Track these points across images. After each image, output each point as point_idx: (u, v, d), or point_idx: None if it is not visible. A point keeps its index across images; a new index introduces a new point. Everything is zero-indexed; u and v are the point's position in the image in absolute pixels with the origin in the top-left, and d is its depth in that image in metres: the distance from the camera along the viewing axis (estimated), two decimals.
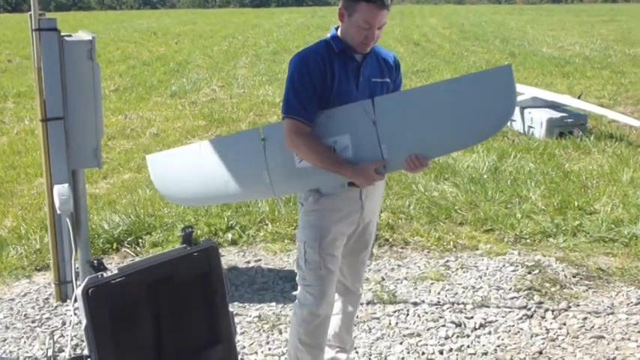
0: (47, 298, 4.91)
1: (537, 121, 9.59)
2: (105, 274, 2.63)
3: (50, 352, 3.61)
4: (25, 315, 4.72)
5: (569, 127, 9.51)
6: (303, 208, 3.37)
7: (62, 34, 4.37)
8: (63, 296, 4.84)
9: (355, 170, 3.18)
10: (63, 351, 4.13)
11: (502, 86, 3.16)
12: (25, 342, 4.37)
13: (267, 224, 6.17)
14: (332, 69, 3.16)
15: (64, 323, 4.56)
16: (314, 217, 3.34)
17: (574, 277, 5.12)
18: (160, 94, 13.83)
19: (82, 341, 2.96)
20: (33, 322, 4.62)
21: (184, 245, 2.94)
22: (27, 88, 13.43)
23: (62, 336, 4.36)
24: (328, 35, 3.26)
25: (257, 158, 3.38)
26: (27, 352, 4.26)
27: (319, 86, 3.15)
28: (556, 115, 9.59)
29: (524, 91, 10.54)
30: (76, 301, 2.64)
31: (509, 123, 10.22)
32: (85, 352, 2.63)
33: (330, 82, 3.16)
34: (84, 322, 2.56)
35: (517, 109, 10.00)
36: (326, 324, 3.48)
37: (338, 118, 3.20)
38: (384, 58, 3.37)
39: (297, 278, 3.46)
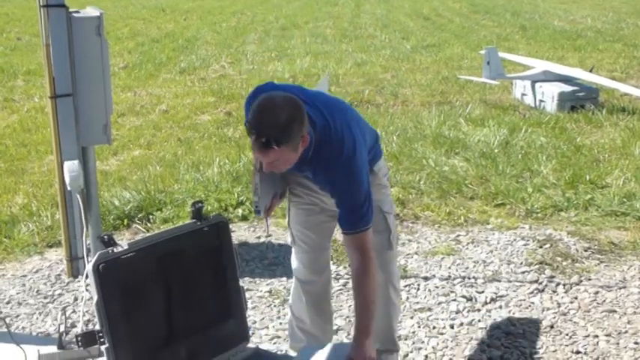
0: (59, 275, 4.94)
1: (549, 94, 9.53)
2: (115, 250, 2.63)
3: (62, 328, 3.62)
4: (37, 291, 4.75)
5: (580, 100, 9.45)
6: None
7: (70, 10, 4.35)
8: (75, 272, 4.86)
9: None
10: (75, 326, 4.15)
11: None
12: (37, 318, 4.41)
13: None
14: None
15: (76, 299, 4.59)
16: None
17: (585, 251, 5.11)
18: (169, 71, 13.79)
19: (94, 317, 2.97)
20: (45, 298, 4.65)
21: (194, 220, 2.94)
22: (36, 65, 13.41)
23: (74, 312, 4.39)
24: None
25: None
26: (39, 328, 4.29)
27: None
28: (568, 88, 9.53)
29: (536, 65, 10.47)
30: (87, 277, 2.64)
31: (520, 97, 10.18)
32: (97, 327, 2.64)
33: None
34: (95, 297, 2.57)
35: (529, 83, 9.95)
36: (307, 297, 3.51)
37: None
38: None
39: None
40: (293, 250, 3.53)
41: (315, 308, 3.56)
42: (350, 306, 4.39)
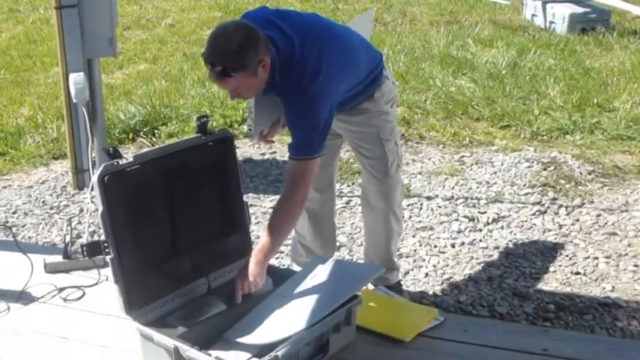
0: (65, 186, 4.97)
1: (559, 16, 9.37)
2: (120, 162, 2.63)
3: (68, 238, 3.68)
4: (43, 202, 4.79)
5: (591, 22, 9.28)
6: None
7: None
8: (80, 184, 4.89)
9: None
10: (81, 237, 4.20)
11: None
12: (43, 228, 4.46)
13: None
14: None
15: (81, 211, 4.63)
16: None
17: (589, 174, 5.10)
18: None
19: (100, 228, 3.01)
20: (51, 209, 4.70)
21: (199, 134, 2.94)
22: None
23: (80, 223, 4.43)
24: None
25: None
26: (45, 238, 4.34)
27: None
28: (579, 10, 9.36)
29: None
30: (92, 189, 2.65)
31: (530, 18, 10.02)
32: (102, 238, 2.67)
33: None
34: (100, 208, 2.59)
35: (539, 4, 9.78)
36: (309, 214, 3.50)
37: None
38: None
39: None
40: None
41: (317, 225, 3.58)
42: (352, 223, 4.43)
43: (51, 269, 3.42)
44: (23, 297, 3.21)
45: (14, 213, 4.65)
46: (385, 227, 3.47)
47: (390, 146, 3.31)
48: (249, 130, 3.21)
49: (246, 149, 5.60)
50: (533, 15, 9.99)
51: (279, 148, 5.60)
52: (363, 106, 3.20)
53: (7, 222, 4.49)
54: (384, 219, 3.44)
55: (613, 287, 3.76)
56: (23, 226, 4.47)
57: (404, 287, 3.68)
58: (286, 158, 5.21)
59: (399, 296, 3.47)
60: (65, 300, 3.22)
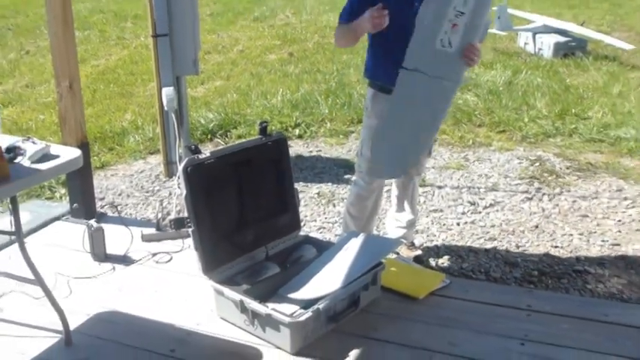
0: (158, 175, 5.02)
1: (546, 44, 9.20)
2: (200, 156, 2.67)
3: (160, 215, 3.73)
4: (141, 187, 4.85)
5: (572, 49, 9.11)
6: (366, 112, 3.25)
7: None
8: (170, 173, 4.93)
9: (361, 19, 2.82)
10: (170, 214, 4.25)
11: None
12: (141, 207, 4.51)
13: (326, 123, 6.15)
14: None
15: (170, 194, 4.67)
16: (370, 120, 3.18)
17: (567, 169, 5.02)
18: (245, 19, 13.59)
19: (184, 208, 3.05)
20: (147, 192, 4.75)
21: (260, 136, 2.96)
22: (142, 10, 13.32)
23: (169, 203, 4.48)
24: None
25: None
26: (143, 215, 4.40)
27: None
28: (562, 39, 9.18)
29: (536, 20, 10.10)
30: (179, 177, 2.69)
31: (523, 45, 9.86)
32: (186, 214, 2.71)
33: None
34: (184, 192, 2.63)
35: (530, 35, 9.62)
36: (370, 204, 3.36)
37: None
38: None
39: (355, 165, 3.46)
40: (366, 169, 3.23)
41: (377, 209, 3.48)
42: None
43: (146, 239, 3.48)
44: (125, 260, 3.27)
45: (119, 195, 4.72)
46: (415, 189, 3.53)
47: None
48: None
49: (297, 147, 5.60)
50: (525, 43, 9.83)
51: (324, 147, 5.60)
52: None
53: (114, 202, 4.56)
54: (415, 183, 3.53)
55: (584, 258, 3.71)
56: (126, 205, 4.54)
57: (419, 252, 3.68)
58: (328, 155, 5.27)
59: (414, 263, 3.47)
60: (157, 263, 3.27)
